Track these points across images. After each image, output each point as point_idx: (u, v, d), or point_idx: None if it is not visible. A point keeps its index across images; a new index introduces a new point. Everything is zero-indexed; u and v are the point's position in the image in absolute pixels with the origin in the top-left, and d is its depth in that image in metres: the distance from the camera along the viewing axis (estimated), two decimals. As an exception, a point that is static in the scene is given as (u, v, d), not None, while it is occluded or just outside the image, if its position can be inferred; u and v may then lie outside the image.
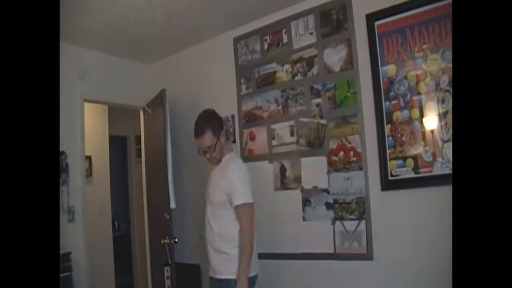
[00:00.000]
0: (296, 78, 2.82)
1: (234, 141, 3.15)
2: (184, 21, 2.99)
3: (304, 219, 2.71)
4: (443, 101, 2.20)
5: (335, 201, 2.58)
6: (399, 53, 2.35)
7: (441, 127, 2.20)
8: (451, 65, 2.11)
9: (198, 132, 2.16)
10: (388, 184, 2.37)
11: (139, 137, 3.96)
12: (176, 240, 2.92)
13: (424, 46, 2.26)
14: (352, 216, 2.50)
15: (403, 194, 2.32)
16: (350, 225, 2.51)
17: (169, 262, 2.90)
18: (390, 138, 2.37)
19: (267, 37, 2.99)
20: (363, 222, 2.46)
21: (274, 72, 2.94)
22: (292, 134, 2.82)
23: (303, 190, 2.73)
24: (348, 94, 2.57)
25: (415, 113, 2.29)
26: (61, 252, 2.44)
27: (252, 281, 2.10)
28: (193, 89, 3.46)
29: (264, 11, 2.93)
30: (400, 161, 2.33)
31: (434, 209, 2.17)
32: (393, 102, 2.36)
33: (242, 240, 2.05)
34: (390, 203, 2.37)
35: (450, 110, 2.16)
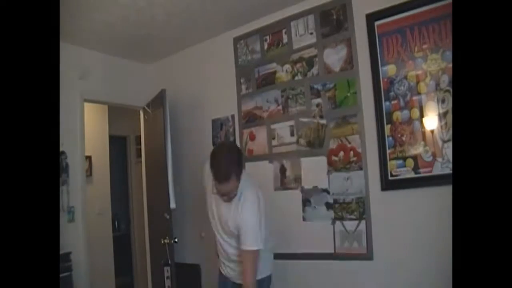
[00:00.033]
0: (296, 78, 2.82)
1: (234, 141, 3.15)
2: (184, 21, 2.99)
3: (304, 219, 2.71)
4: (443, 101, 2.20)
5: (335, 201, 2.58)
6: (399, 53, 2.35)
7: (441, 127, 2.20)
8: (451, 65, 2.11)
9: (223, 178, 1.84)
10: (388, 184, 2.37)
11: (139, 137, 3.96)
12: (176, 240, 2.93)
13: (424, 46, 2.26)
14: (352, 216, 2.50)
15: (403, 194, 2.32)
16: (350, 225, 2.51)
17: (169, 262, 2.91)
18: (390, 138, 2.37)
19: (267, 37, 2.99)
20: (363, 222, 2.46)
21: (274, 72, 2.94)
22: (292, 134, 2.82)
23: (303, 190, 2.73)
24: (348, 94, 2.57)
25: (415, 113, 2.29)
26: (61, 252, 2.44)
27: (267, 280, 2.11)
28: (193, 89, 3.46)
29: (264, 11, 2.93)
30: (400, 161, 2.33)
31: (434, 209, 2.17)
32: (393, 102, 2.36)
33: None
34: (390, 203, 2.37)
35: (450, 110, 2.16)
